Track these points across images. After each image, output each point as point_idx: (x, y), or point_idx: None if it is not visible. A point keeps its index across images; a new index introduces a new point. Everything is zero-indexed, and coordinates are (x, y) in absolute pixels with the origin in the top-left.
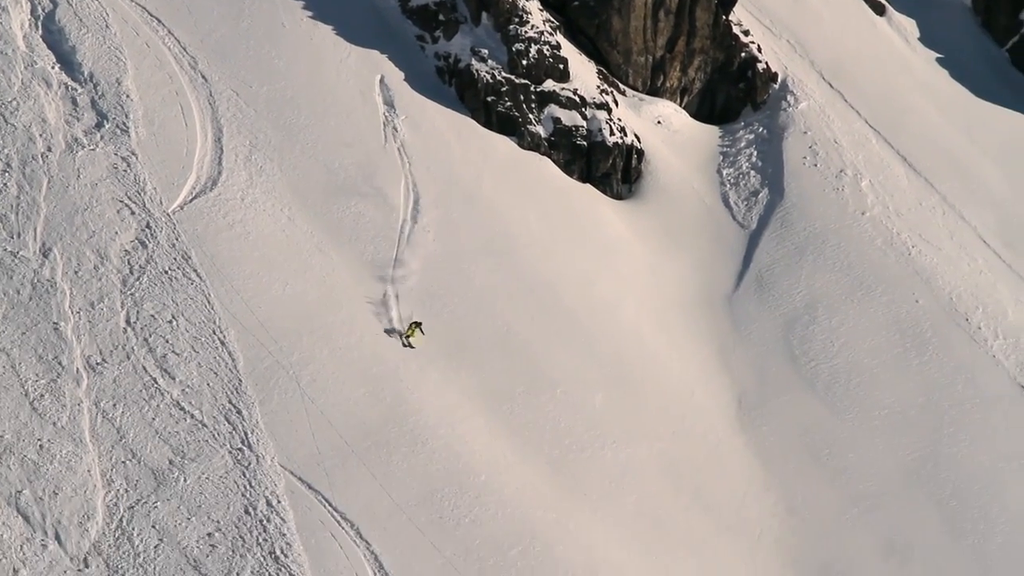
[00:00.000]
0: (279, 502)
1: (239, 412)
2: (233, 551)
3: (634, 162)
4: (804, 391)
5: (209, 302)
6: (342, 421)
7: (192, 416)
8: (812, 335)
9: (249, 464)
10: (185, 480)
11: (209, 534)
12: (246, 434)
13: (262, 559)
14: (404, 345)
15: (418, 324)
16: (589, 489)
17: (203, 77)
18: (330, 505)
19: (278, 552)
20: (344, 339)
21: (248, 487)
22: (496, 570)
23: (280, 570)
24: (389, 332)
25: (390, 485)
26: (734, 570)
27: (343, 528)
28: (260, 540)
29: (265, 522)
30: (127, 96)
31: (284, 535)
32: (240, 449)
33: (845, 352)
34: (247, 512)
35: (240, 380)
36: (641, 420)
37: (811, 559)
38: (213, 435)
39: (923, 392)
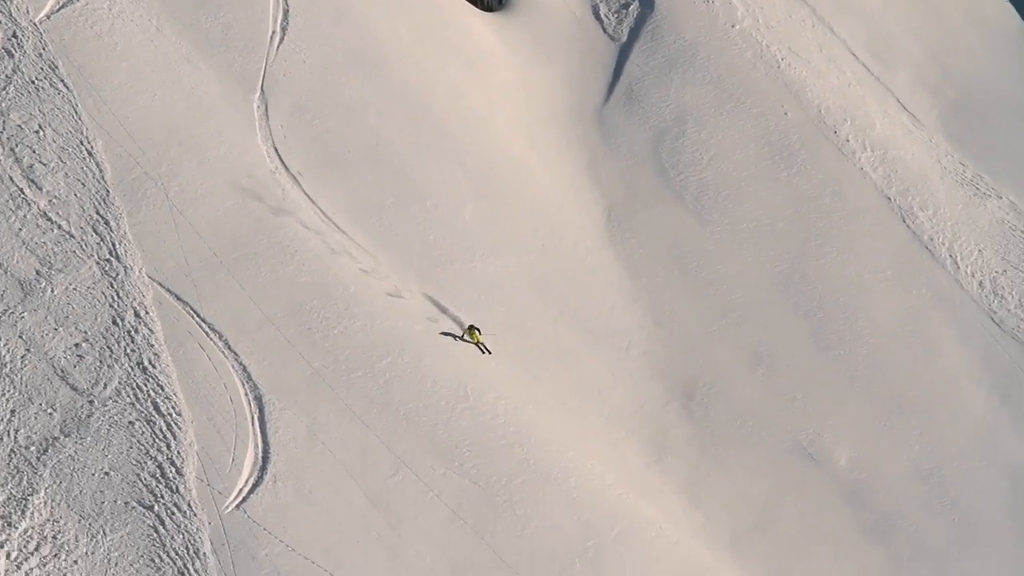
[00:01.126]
0: (147, 313)
1: (107, 223)
2: (101, 362)
3: None
4: (673, 203)
5: (76, 113)
6: (210, 233)
7: (59, 227)
8: (682, 148)
9: (117, 275)
10: (52, 291)
11: (76, 344)
12: (114, 245)
13: (130, 370)
14: (484, 352)
15: (473, 327)
16: (458, 301)
17: None
18: (198, 316)
19: (146, 363)
20: (213, 151)
21: (116, 298)
22: (365, 380)
23: (148, 380)
24: (456, 337)
25: (259, 297)
26: (602, 381)
27: (211, 339)
28: (128, 351)
29: (133, 333)
30: None
31: (152, 346)
32: (108, 260)
33: (714, 164)
34: (115, 323)
35: (108, 191)
36: (510, 233)
37: (679, 370)
38: (80, 246)
39: (791, 204)
